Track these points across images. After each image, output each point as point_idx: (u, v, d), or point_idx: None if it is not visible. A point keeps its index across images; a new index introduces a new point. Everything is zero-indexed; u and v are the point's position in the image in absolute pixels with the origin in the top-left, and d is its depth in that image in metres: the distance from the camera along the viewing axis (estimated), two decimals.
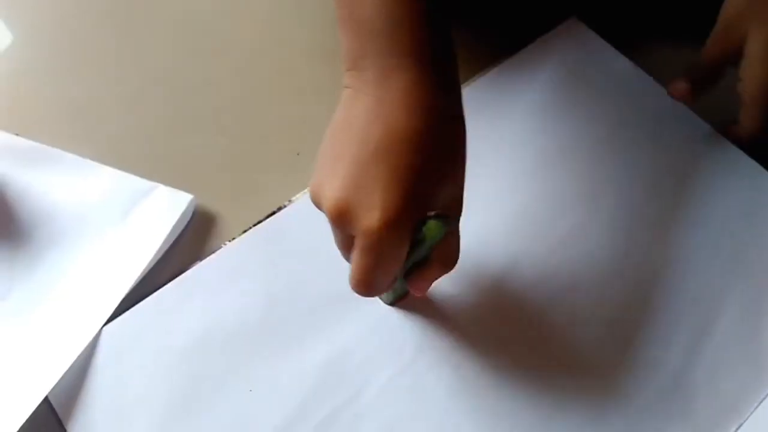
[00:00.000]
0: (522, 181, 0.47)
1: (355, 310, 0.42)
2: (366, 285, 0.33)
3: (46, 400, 0.39)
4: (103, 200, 0.46)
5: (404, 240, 0.32)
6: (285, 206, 0.46)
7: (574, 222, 0.46)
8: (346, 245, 0.34)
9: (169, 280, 0.43)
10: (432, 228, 0.33)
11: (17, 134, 0.48)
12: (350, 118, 0.33)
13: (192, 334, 0.42)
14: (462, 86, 0.50)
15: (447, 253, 0.36)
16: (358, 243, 0.32)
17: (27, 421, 0.38)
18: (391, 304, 0.43)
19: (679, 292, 0.44)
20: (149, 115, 0.51)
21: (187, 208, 0.45)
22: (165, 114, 0.51)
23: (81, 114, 0.51)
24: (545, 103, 0.50)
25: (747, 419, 0.40)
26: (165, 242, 0.44)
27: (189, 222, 0.46)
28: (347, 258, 0.35)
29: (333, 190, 0.32)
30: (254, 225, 0.45)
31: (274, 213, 0.46)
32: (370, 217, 0.31)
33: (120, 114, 0.51)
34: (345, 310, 0.42)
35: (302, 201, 0.46)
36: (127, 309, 0.42)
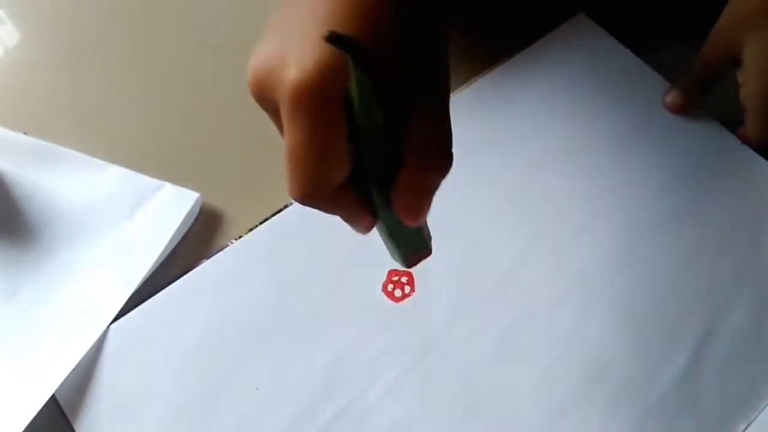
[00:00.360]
0: (529, 178, 0.47)
1: (362, 308, 0.42)
2: (296, 180, 0.25)
3: (53, 397, 0.39)
4: (110, 198, 0.46)
5: (330, 98, 0.24)
6: (291, 204, 0.46)
7: (582, 220, 0.45)
8: (281, 131, 0.27)
9: (176, 279, 0.43)
10: (354, 74, 0.23)
11: (25, 133, 0.48)
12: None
13: (199, 332, 0.42)
14: (469, 84, 0.51)
15: (424, 144, 0.25)
16: (282, 116, 0.25)
17: (34, 418, 0.38)
18: (409, 265, 0.33)
19: (687, 291, 0.43)
20: (156, 113, 0.51)
21: (194, 206, 0.45)
22: (172, 112, 0.51)
23: (88, 113, 0.51)
24: (553, 100, 0.50)
25: (755, 418, 0.39)
26: (171, 240, 0.44)
27: (195, 220, 0.46)
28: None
29: (254, 60, 0.26)
30: (260, 223, 0.45)
31: (280, 211, 0.46)
32: (287, 74, 0.24)
33: (127, 113, 0.51)
34: (352, 307, 0.42)
35: None
36: (134, 307, 0.42)
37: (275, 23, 0.26)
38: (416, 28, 0.26)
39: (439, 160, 0.26)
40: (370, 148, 0.26)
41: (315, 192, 0.26)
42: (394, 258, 0.32)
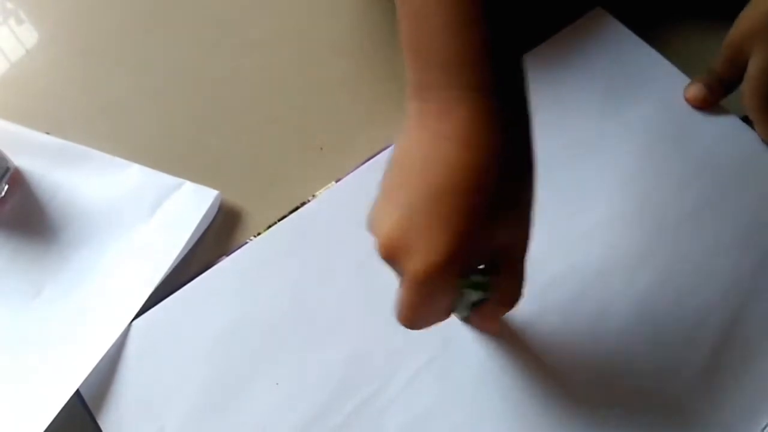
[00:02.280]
0: (544, 174, 0.47)
1: (381, 303, 0.42)
2: (408, 322, 0.33)
3: (77, 393, 0.40)
4: (131, 197, 0.46)
5: (447, 288, 0.32)
6: (309, 201, 0.46)
7: (600, 215, 0.45)
8: (398, 276, 0.34)
9: (196, 276, 0.44)
10: (471, 288, 0.33)
11: (48, 133, 0.49)
12: (411, 150, 0.32)
13: (219, 328, 0.42)
14: None
15: (505, 292, 0.35)
16: (404, 281, 0.31)
17: (59, 413, 0.39)
18: (466, 321, 0.41)
19: (707, 288, 0.43)
20: (175, 112, 0.51)
21: (213, 203, 0.46)
22: (190, 111, 0.51)
23: (108, 112, 0.51)
24: (571, 94, 0.50)
25: None
26: (191, 238, 0.44)
27: (215, 217, 0.46)
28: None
29: (385, 227, 0.31)
30: (279, 220, 0.46)
31: (298, 208, 0.46)
32: (415, 261, 0.30)
33: (147, 112, 0.51)
34: (371, 303, 0.42)
35: (326, 196, 0.46)
36: (155, 304, 0.43)
37: (390, 189, 0.32)
38: (516, 202, 0.32)
39: (513, 303, 0.35)
40: (463, 308, 0.36)
41: (418, 328, 0.34)
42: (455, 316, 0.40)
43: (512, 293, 0.35)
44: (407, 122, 0.32)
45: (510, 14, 0.32)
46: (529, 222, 0.33)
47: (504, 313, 0.37)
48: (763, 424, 0.39)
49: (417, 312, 0.32)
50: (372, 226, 0.32)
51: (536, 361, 0.41)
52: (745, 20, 0.45)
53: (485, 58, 0.31)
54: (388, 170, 0.32)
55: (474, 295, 0.35)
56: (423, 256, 0.30)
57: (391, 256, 0.31)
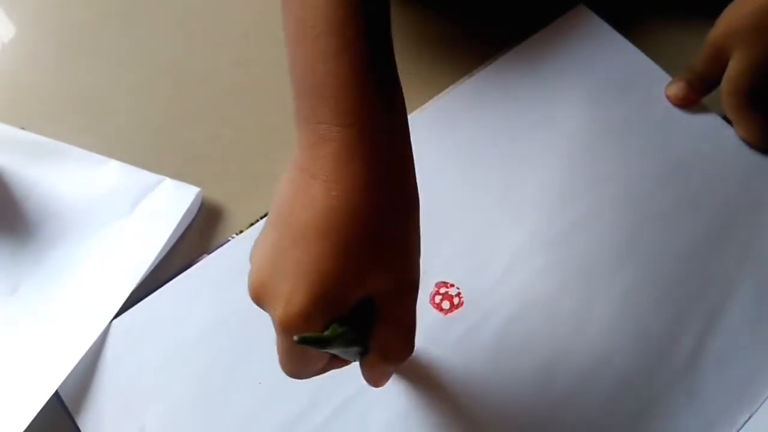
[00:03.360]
0: (528, 170, 0.47)
1: None
2: (286, 370, 0.31)
3: (56, 394, 0.39)
4: (110, 194, 0.46)
5: (310, 329, 0.29)
6: None
7: (582, 212, 0.45)
8: None
9: (177, 274, 0.43)
10: (332, 331, 0.28)
11: (23, 128, 0.48)
12: (283, 194, 0.30)
13: (200, 327, 0.42)
14: (471, 75, 0.51)
15: (384, 344, 0.31)
16: (274, 327, 0.30)
17: (37, 415, 0.38)
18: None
19: (688, 283, 0.43)
20: (155, 107, 0.50)
21: (194, 200, 0.45)
22: (171, 106, 0.50)
23: (86, 107, 0.50)
24: (553, 92, 0.50)
25: (758, 409, 0.40)
26: (172, 235, 0.44)
27: (196, 215, 0.46)
28: None
29: (254, 269, 0.30)
30: (261, 218, 0.45)
31: None
32: (277, 306, 0.28)
33: (126, 107, 0.50)
34: None
35: None
36: (136, 303, 0.42)
37: (270, 227, 0.30)
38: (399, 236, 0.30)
39: (396, 356, 0.31)
40: (350, 356, 0.32)
41: (302, 376, 0.32)
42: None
43: (393, 345, 0.31)
44: (290, 159, 0.31)
45: (389, 36, 0.30)
46: (410, 264, 0.30)
47: (389, 369, 0.34)
48: (744, 418, 0.39)
49: (292, 359, 0.30)
50: (250, 259, 0.31)
51: (518, 357, 0.41)
52: (727, 20, 0.46)
53: (355, 88, 0.28)
54: (271, 209, 0.31)
55: (340, 349, 0.30)
56: (283, 304, 0.28)
57: (258, 299, 0.30)
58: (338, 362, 0.33)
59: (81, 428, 0.39)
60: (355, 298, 0.29)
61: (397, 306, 0.30)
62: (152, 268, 0.43)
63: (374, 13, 0.29)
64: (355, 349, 0.31)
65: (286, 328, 0.28)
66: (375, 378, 0.34)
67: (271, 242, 0.29)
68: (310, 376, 0.32)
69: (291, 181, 0.30)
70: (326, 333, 0.28)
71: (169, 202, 0.45)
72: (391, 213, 0.29)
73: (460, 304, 0.42)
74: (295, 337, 0.27)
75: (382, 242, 0.29)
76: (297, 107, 0.30)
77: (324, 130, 0.28)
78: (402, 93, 0.31)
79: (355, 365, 0.33)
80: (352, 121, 0.28)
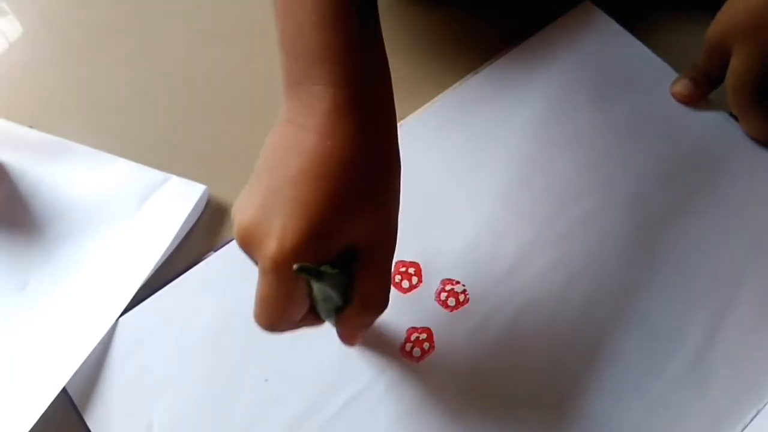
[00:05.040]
0: (534, 167, 0.47)
1: None
2: (264, 319, 0.32)
3: (64, 390, 0.39)
4: (117, 192, 0.46)
5: (298, 276, 0.30)
6: None
7: (589, 208, 0.45)
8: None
9: (184, 271, 0.43)
10: (326, 269, 0.30)
11: (31, 126, 0.48)
12: (275, 143, 0.32)
13: (207, 324, 0.42)
14: (476, 72, 0.50)
15: (365, 294, 0.33)
16: (259, 272, 0.31)
17: (45, 411, 0.38)
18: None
19: (695, 279, 0.43)
20: (162, 106, 0.50)
21: (201, 198, 0.45)
22: (178, 105, 0.50)
23: (94, 106, 0.51)
24: (558, 89, 0.50)
25: (766, 405, 0.39)
26: (179, 233, 0.44)
27: (203, 212, 0.46)
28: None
29: (241, 215, 0.31)
30: None
31: None
32: (269, 243, 0.29)
33: (133, 105, 0.51)
34: None
35: None
36: (143, 300, 0.42)
37: (253, 178, 0.32)
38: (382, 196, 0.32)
39: (376, 307, 0.34)
40: (325, 310, 0.33)
41: (278, 328, 0.33)
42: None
43: (374, 296, 0.33)
44: (277, 119, 0.33)
45: (377, 11, 0.33)
46: (391, 222, 0.33)
47: (367, 321, 0.36)
48: (752, 414, 0.39)
49: (272, 307, 0.31)
50: (233, 213, 0.32)
51: (525, 352, 0.41)
52: (724, 16, 0.45)
53: (347, 54, 0.31)
54: (256, 164, 0.33)
55: (327, 292, 0.32)
56: (275, 240, 0.29)
57: (246, 243, 0.31)
58: (311, 319, 0.34)
59: (89, 424, 0.39)
60: (342, 243, 0.31)
61: (378, 252, 0.33)
62: (159, 265, 0.43)
63: None
64: (335, 302, 0.32)
65: (278, 263, 0.29)
66: (351, 333, 0.37)
67: (261, 187, 0.31)
68: (284, 330, 0.33)
69: (282, 134, 0.32)
70: (326, 269, 0.30)
71: (176, 200, 0.45)
72: (378, 168, 0.32)
73: (466, 301, 0.42)
74: (295, 266, 0.28)
75: (369, 191, 0.31)
76: (287, 71, 0.33)
77: (319, 91, 0.31)
78: (387, 60, 0.34)
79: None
80: (347, 84, 0.31)
